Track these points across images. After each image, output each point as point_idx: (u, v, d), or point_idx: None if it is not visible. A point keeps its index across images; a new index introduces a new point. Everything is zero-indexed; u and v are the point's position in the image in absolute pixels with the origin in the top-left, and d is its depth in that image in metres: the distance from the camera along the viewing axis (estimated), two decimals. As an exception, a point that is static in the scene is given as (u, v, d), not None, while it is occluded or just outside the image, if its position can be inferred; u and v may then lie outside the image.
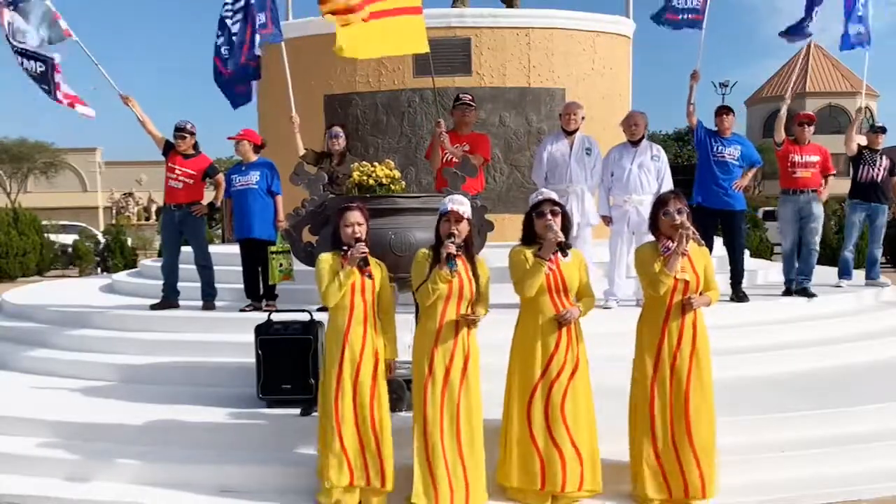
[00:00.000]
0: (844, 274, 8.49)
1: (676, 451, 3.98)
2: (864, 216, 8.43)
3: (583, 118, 6.93)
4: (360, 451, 3.96)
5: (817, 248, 7.66)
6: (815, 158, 7.57)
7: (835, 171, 7.93)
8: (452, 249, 3.85)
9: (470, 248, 4.04)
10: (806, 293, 7.43)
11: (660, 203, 4.08)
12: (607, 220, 7.00)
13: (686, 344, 3.99)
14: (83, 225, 24.97)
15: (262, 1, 6.57)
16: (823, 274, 8.56)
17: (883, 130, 8.48)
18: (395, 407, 4.62)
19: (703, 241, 4.12)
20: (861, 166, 8.30)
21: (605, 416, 4.15)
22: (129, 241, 19.26)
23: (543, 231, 3.95)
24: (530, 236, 4.07)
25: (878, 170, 8.28)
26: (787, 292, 7.54)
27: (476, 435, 3.97)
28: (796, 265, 7.65)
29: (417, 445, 3.95)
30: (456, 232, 3.91)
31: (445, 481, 3.88)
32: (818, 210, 7.56)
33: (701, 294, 4.04)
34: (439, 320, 3.95)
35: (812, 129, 7.63)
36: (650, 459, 4.02)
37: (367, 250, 3.97)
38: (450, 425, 3.91)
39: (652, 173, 6.80)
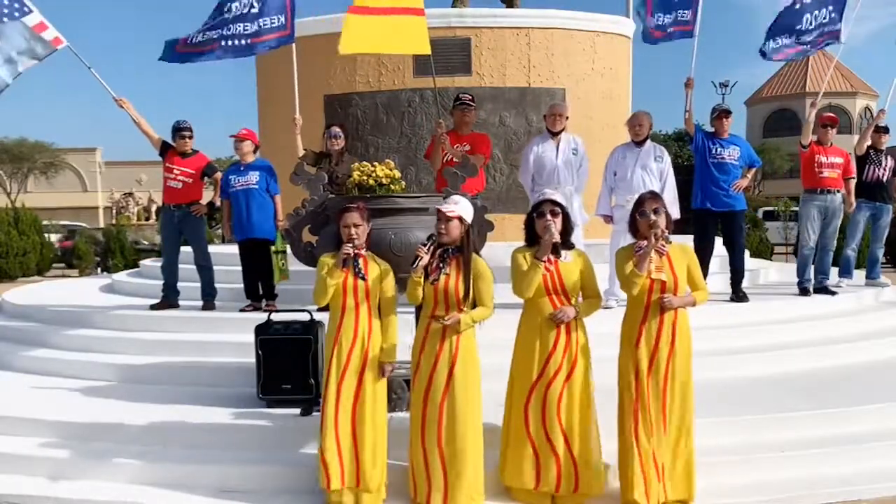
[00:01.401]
0: (845, 273, 8.54)
1: (640, 452, 3.92)
2: (868, 215, 8.46)
3: (567, 118, 6.93)
4: (336, 452, 3.93)
5: (833, 248, 7.89)
6: (840, 160, 7.73)
7: (854, 175, 8.04)
8: (422, 252, 3.84)
9: (464, 249, 3.95)
10: (828, 291, 7.69)
11: (637, 203, 4.08)
12: (608, 219, 7.00)
13: (664, 345, 3.94)
14: (82, 225, 25.00)
15: (278, 3, 6.55)
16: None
17: (886, 130, 8.55)
18: (395, 407, 4.62)
19: (670, 240, 4.10)
20: (867, 166, 8.33)
21: (604, 416, 4.14)
22: (131, 239, 19.24)
23: (542, 231, 3.95)
24: (532, 237, 4.08)
25: (884, 169, 8.36)
26: (804, 292, 7.61)
27: (461, 438, 3.86)
28: (812, 266, 7.74)
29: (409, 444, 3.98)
30: (443, 231, 3.90)
31: (424, 480, 3.88)
32: (840, 211, 7.77)
33: (688, 294, 4.04)
34: (427, 322, 3.95)
35: (835, 130, 7.79)
36: (630, 459, 3.99)
37: (351, 252, 3.95)
38: (431, 427, 3.86)
39: (655, 174, 6.79)
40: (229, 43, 6.52)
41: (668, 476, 3.96)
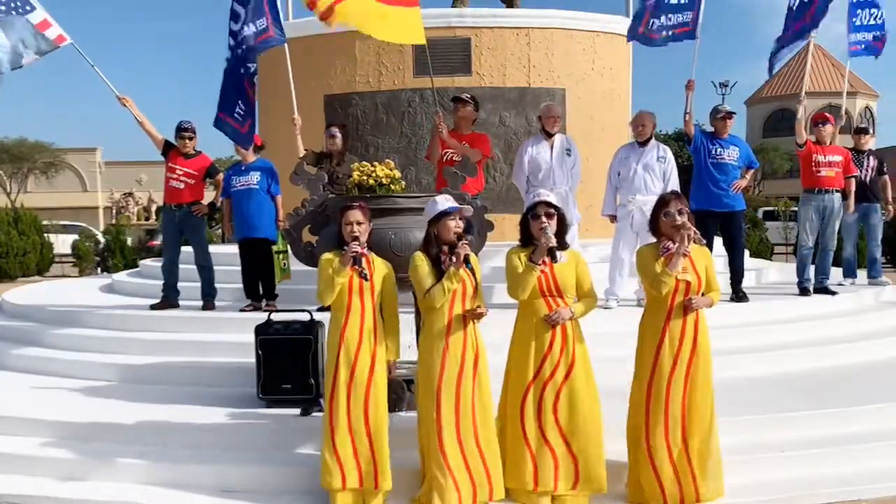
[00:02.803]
0: (850, 274, 8.55)
1: (670, 452, 3.96)
2: (857, 216, 8.46)
3: (560, 119, 6.94)
4: (352, 452, 3.93)
5: (834, 247, 7.85)
6: (838, 158, 7.69)
7: (856, 173, 8.00)
8: (469, 250, 3.88)
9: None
10: (828, 291, 7.68)
11: (661, 203, 4.08)
12: (613, 219, 7.02)
13: (687, 345, 3.97)
14: (83, 225, 24.99)
15: (260, 6, 6.51)
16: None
17: (865, 132, 8.59)
18: (394, 407, 4.62)
19: (703, 241, 4.13)
20: None
21: (604, 415, 4.14)
22: (130, 241, 19.23)
23: (538, 234, 3.96)
24: (527, 238, 4.08)
25: (866, 170, 8.40)
26: (804, 292, 7.58)
27: (491, 430, 3.97)
28: (812, 266, 7.73)
29: (429, 447, 3.91)
30: (459, 229, 3.93)
31: (467, 479, 3.87)
32: (839, 210, 7.71)
33: (703, 295, 4.05)
34: (447, 320, 3.92)
35: (829, 127, 7.73)
36: (645, 460, 4.01)
37: (359, 249, 3.96)
38: (465, 424, 3.89)
39: (657, 174, 6.80)
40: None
41: (687, 476, 3.96)
